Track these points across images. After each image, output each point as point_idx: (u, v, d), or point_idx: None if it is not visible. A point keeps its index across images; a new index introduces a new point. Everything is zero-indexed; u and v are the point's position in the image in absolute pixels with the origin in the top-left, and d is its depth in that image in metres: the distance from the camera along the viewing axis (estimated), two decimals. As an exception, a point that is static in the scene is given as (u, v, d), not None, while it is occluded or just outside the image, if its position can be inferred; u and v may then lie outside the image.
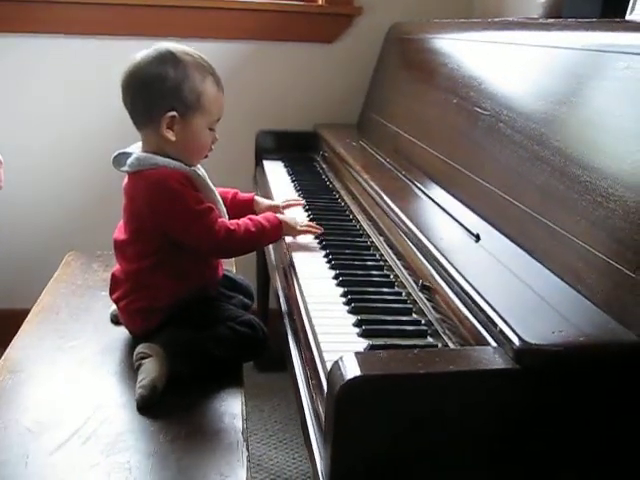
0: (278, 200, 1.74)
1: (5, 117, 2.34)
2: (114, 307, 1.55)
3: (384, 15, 2.30)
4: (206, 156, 1.47)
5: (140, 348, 1.37)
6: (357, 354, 0.82)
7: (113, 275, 1.50)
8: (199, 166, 1.49)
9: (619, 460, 0.86)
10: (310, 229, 1.52)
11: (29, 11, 2.24)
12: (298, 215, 1.64)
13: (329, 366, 0.84)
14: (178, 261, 1.41)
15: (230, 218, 1.58)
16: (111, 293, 1.51)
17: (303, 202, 1.75)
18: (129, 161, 1.40)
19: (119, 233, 1.47)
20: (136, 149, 1.44)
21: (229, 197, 1.61)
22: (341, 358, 0.82)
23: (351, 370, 0.79)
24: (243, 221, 1.44)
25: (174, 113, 1.36)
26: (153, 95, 1.37)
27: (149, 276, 1.42)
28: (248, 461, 1.16)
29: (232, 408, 1.30)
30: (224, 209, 1.50)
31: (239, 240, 1.41)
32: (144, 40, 2.22)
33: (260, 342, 1.42)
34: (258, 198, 1.66)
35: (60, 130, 2.39)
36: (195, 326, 1.40)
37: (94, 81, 2.34)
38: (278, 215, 1.51)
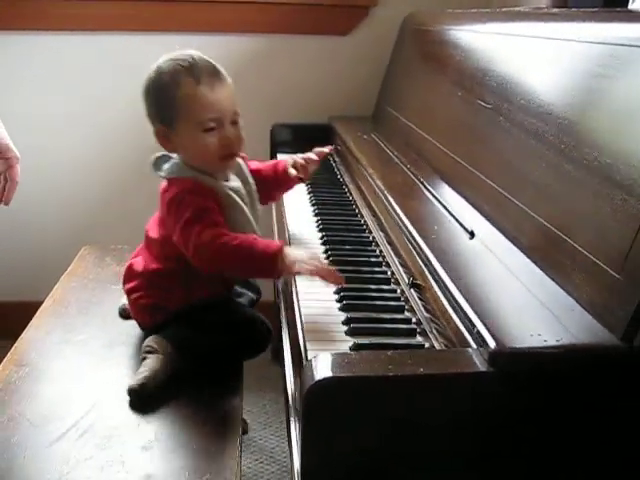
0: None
1: (21, 114, 2.37)
2: (124, 301, 1.56)
3: (399, 6, 2.27)
4: (230, 157, 1.38)
5: (148, 341, 1.39)
6: (330, 355, 0.82)
7: (130, 266, 1.49)
8: (248, 183, 1.46)
9: (598, 463, 0.84)
10: (325, 273, 1.21)
11: (48, 8, 2.27)
12: (305, 217, 1.58)
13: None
14: (195, 272, 1.35)
15: (275, 193, 1.62)
16: (124, 283, 1.50)
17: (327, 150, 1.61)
18: (165, 167, 1.40)
19: (151, 228, 1.47)
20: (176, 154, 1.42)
21: (271, 171, 1.58)
22: (313, 358, 0.82)
23: (321, 371, 0.79)
24: (240, 237, 1.28)
25: (160, 126, 1.36)
26: (148, 109, 1.38)
27: (166, 278, 1.42)
28: (240, 456, 1.17)
29: (230, 403, 1.31)
30: (254, 228, 1.41)
31: (223, 250, 1.27)
32: (158, 35, 2.27)
33: (261, 343, 1.42)
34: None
35: (76, 127, 2.41)
36: (201, 325, 1.39)
37: (108, 78, 2.37)
38: (285, 247, 1.27)
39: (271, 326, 1.42)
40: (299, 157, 1.58)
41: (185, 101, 1.32)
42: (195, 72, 1.32)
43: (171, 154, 1.42)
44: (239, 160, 1.46)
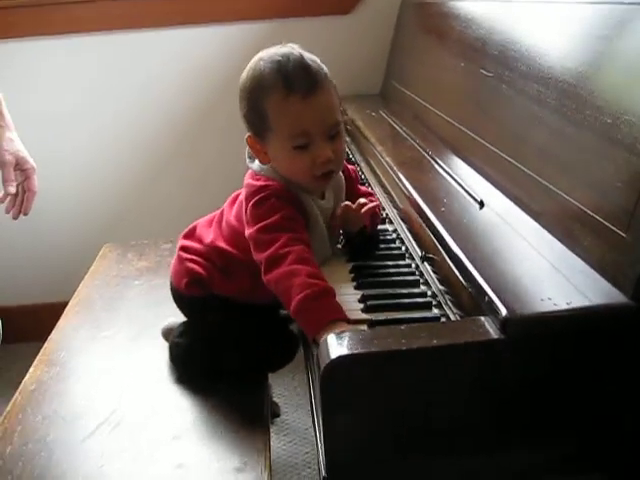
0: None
1: (39, 118, 2.41)
2: (170, 322, 1.47)
3: (399, -20, 2.27)
4: (326, 177, 1.22)
5: (174, 337, 1.41)
6: (344, 333, 0.83)
7: (196, 228, 1.39)
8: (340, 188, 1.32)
9: (615, 425, 0.85)
10: None
11: (57, 12, 2.30)
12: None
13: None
14: (248, 274, 1.23)
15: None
16: (184, 236, 1.40)
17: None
18: (258, 162, 1.27)
19: (229, 205, 1.35)
20: None
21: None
22: (326, 338, 0.83)
23: (335, 349, 0.80)
24: (304, 268, 1.09)
25: (249, 134, 1.24)
26: (241, 112, 1.26)
27: (223, 262, 1.31)
28: (268, 440, 1.20)
29: (257, 387, 1.34)
30: (327, 253, 1.30)
31: (275, 274, 1.11)
32: (160, 31, 2.29)
33: (284, 357, 1.36)
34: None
35: (92, 127, 2.44)
36: (224, 327, 1.34)
37: (119, 76, 2.39)
38: (348, 324, 1.02)
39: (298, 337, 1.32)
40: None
41: (272, 112, 1.18)
42: (287, 77, 1.16)
43: None
44: (340, 174, 1.32)
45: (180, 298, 1.41)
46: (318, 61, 1.23)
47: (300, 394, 2.24)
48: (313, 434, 2.00)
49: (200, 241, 1.36)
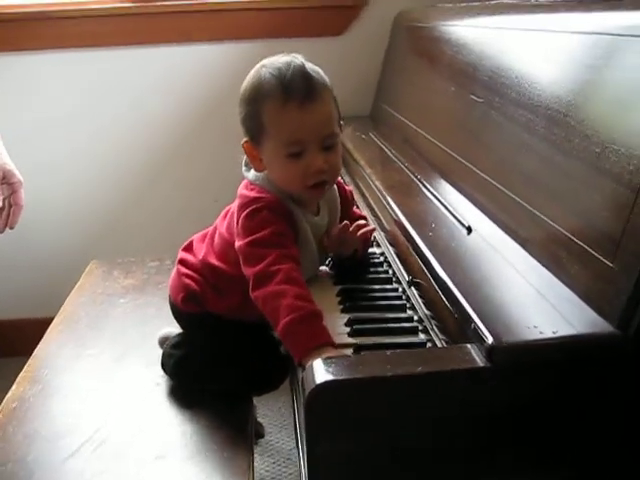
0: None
1: (25, 132, 2.40)
2: (165, 332, 1.47)
3: (391, 3, 2.28)
4: (318, 187, 1.21)
5: (167, 348, 1.41)
6: (329, 358, 0.83)
7: (192, 243, 1.40)
8: (335, 205, 1.32)
9: (603, 453, 0.85)
10: None
11: (53, 27, 2.31)
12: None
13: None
14: (239, 291, 1.23)
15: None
16: (183, 248, 1.40)
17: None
18: (253, 172, 1.27)
19: (221, 219, 1.35)
20: None
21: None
22: (314, 362, 0.83)
23: (320, 375, 0.80)
24: (292, 288, 1.09)
25: (246, 139, 1.24)
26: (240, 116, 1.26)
27: (216, 278, 1.31)
28: (252, 460, 1.19)
29: (241, 407, 1.34)
30: (314, 269, 1.30)
31: (263, 292, 1.11)
32: (156, 48, 2.30)
33: (274, 382, 1.37)
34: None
35: (82, 143, 2.44)
36: (214, 345, 1.35)
37: (113, 93, 2.39)
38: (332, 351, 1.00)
39: (287, 370, 1.33)
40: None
41: (269, 117, 1.18)
42: (286, 85, 1.17)
43: None
44: (335, 187, 1.33)
45: (178, 313, 1.41)
46: (321, 72, 1.24)
47: (284, 415, 2.23)
48: (297, 456, 2.02)
49: (195, 255, 1.37)
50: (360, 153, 1.82)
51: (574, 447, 0.85)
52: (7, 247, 2.51)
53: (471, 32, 1.55)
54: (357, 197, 1.72)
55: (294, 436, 2.09)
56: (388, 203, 1.38)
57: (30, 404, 1.37)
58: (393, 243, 1.32)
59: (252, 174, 1.28)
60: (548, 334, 0.82)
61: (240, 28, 2.33)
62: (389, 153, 1.79)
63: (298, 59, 1.23)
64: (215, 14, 2.31)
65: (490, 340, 0.82)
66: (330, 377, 0.79)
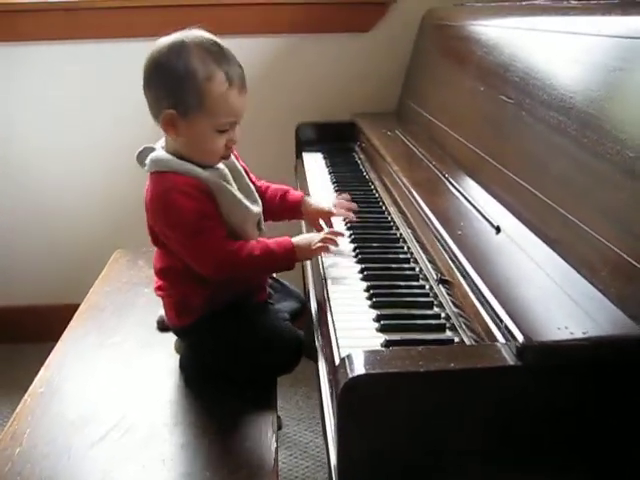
0: (329, 202, 1.57)
1: (52, 122, 2.43)
2: (161, 312, 1.55)
3: (419, 1, 2.28)
4: (225, 157, 1.37)
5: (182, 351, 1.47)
6: (363, 352, 0.84)
7: (154, 267, 1.47)
8: (232, 161, 1.41)
9: (624, 458, 0.86)
10: (327, 241, 1.36)
11: (50, 18, 2.32)
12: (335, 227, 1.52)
13: (343, 362, 0.86)
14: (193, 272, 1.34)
15: (277, 217, 1.56)
16: (155, 283, 1.49)
17: (354, 206, 1.57)
18: (147, 161, 1.35)
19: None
20: (160, 145, 1.39)
21: (278, 195, 1.55)
22: (347, 356, 0.84)
23: (355, 368, 0.81)
24: (250, 244, 1.32)
25: (172, 111, 1.28)
26: (157, 87, 1.30)
27: (178, 277, 1.39)
28: (276, 451, 1.20)
29: (265, 398, 1.35)
30: (251, 210, 1.39)
31: (239, 265, 1.31)
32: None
33: (288, 361, 1.39)
34: (308, 199, 1.57)
35: (108, 131, 2.46)
36: (226, 333, 1.38)
37: (132, 81, 2.40)
38: (293, 239, 1.36)
39: (301, 339, 1.39)
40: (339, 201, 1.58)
41: (213, 98, 1.27)
42: (228, 69, 1.29)
43: (154, 146, 1.39)
44: None
45: (183, 332, 1.46)
46: None
47: (302, 407, 2.25)
48: (314, 448, 2.03)
49: (157, 272, 1.45)
50: (386, 150, 1.82)
51: (602, 450, 0.86)
52: (34, 235, 2.55)
53: (502, 33, 1.54)
54: (382, 193, 1.74)
55: (313, 429, 2.12)
56: (415, 200, 1.39)
57: (56, 389, 1.39)
58: (420, 240, 1.33)
59: (148, 164, 1.34)
60: (578, 335, 0.83)
61: (265, 22, 2.34)
62: (415, 150, 1.80)
63: (205, 33, 1.34)
64: (242, 8, 2.32)
65: (521, 339, 0.82)
66: (364, 371, 0.80)
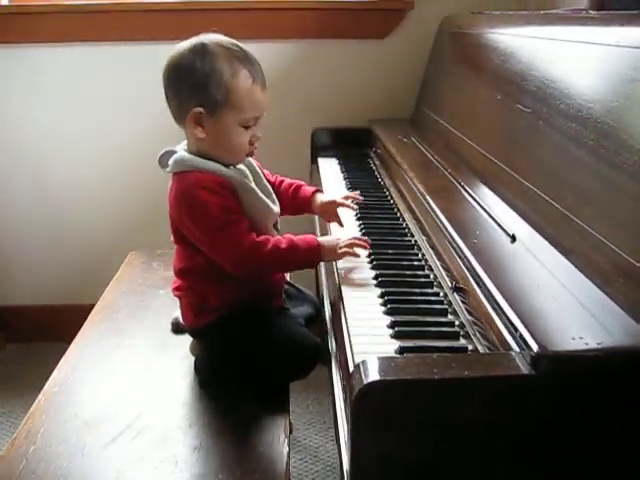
0: (335, 194, 1.62)
1: (67, 126, 2.45)
2: (176, 314, 1.56)
3: (436, 8, 2.29)
4: (250, 154, 1.39)
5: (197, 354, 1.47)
6: (377, 358, 0.85)
7: (174, 267, 1.47)
8: (250, 163, 1.43)
9: (636, 468, 0.86)
10: (353, 247, 1.38)
11: (62, 21, 2.36)
12: (348, 221, 1.57)
13: (358, 368, 0.86)
14: (221, 267, 1.35)
15: (289, 211, 1.57)
16: (173, 284, 1.49)
17: (361, 198, 1.62)
18: (170, 162, 1.37)
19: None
20: (182, 147, 1.41)
21: (291, 189, 1.57)
22: (362, 362, 0.85)
23: (369, 374, 0.82)
24: (276, 238, 1.35)
25: (200, 109, 1.31)
26: (182, 89, 1.33)
27: (198, 276, 1.40)
28: (288, 455, 1.21)
29: (277, 407, 1.35)
30: (272, 209, 1.41)
31: (265, 257, 1.32)
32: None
33: (304, 366, 1.37)
34: (318, 195, 1.58)
35: (124, 136, 2.49)
36: (243, 336, 1.38)
37: (152, 83, 2.42)
38: (320, 238, 1.40)
39: (319, 345, 1.37)
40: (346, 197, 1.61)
41: (239, 93, 1.31)
42: (251, 67, 1.33)
43: (175, 149, 1.40)
44: None
45: (199, 333, 1.46)
46: None
47: (312, 412, 2.26)
48: (324, 453, 2.04)
49: (176, 273, 1.46)
50: (402, 156, 1.83)
51: (611, 458, 0.86)
52: (50, 236, 2.57)
53: (519, 41, 1.55)
54: (397, 199, 1.74)
55: (324, 433, 2.12)
56: (431, 207, 1.39)
57: (71, 389, 1.40)
58: (435, 247, 1.33)
59: (171, 165, 1.36)
60: (593, 345, 0.83)
61: (283, 27, 2.36)
62: (431, 158, 1.80)
63: (223, 36, 1.37)
64: (259, 13, 2.33)
65: (536, 349, 0.83)
66: (378, 378, 0.81)
